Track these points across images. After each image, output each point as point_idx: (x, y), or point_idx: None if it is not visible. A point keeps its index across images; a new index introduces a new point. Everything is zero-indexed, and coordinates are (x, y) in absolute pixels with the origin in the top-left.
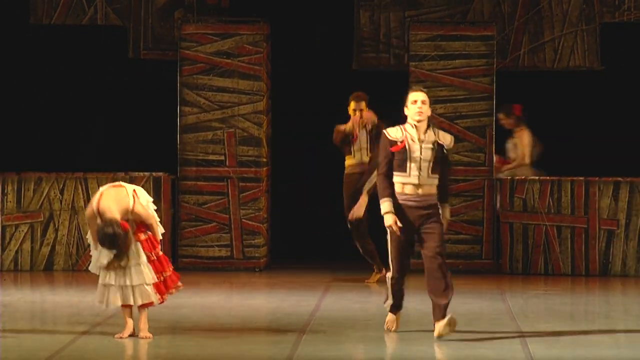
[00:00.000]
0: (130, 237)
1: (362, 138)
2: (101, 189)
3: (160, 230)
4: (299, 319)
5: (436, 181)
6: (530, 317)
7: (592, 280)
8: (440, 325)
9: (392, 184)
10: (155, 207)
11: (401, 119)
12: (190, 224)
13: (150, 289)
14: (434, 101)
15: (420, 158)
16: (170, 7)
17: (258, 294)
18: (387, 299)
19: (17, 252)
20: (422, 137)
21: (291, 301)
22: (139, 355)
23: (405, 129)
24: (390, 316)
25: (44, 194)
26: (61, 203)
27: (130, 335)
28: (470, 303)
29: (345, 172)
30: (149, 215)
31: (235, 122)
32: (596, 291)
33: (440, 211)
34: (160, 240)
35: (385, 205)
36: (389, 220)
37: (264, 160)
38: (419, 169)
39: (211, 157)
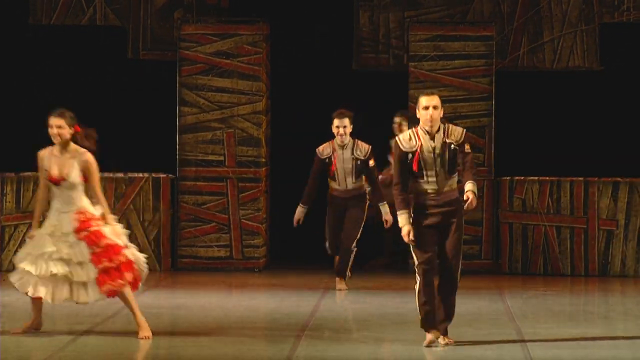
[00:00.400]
0: None
1: (347, 165)
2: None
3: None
4: (298, 319)
5: (455, 179)
6: (529, 317)
7: (591, 281)
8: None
9: (408, 195)
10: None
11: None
12: (190, 224)
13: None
14: None
15: (435, 164)
16: (169, 8)
17: (257, 295)
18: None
19: (16, 252)
20: (434, 142)
21: (290, 301)
22: (138, 356)
23: (417, 136)
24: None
25: None
26: None
27: (25, 332)
28: (470, 303)
29: (330, 192)
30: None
31: (234, 122)
32: (595, 291)
33: (461, 208)
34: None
35: (402, 218)
36: (405, 232)
37: (263, 160)
38: (436, 174)
39: (210, 158)
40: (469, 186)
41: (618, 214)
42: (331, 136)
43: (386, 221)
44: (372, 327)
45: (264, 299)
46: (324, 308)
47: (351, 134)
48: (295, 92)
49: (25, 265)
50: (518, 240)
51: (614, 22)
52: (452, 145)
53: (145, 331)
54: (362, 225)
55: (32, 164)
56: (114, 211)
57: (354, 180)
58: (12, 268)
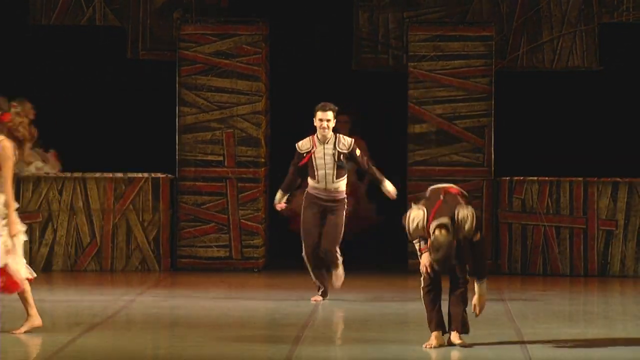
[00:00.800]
0: None
1: (329, 161)
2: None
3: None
4: (298, 319)
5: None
6: (529, 317)
7: (590, 281)
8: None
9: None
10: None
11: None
12: (189, 224)
13: None
14: (433, 101)
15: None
16: (168, 8)
17: (256, 295)
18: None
19: None
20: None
21: (289, 302)
22: (138, 356)
23: (426, 226)
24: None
25: (43, 195)
26: (60, 204)
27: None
28: (469, 303)
29: (307, 191)
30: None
31: (234, 122)
32: (595, 292)
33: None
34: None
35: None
36: (427, 261)
37: (263, 160)
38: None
39: (210, 158)
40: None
41: (617, 214)
42: None
43: (389, 192)
44: (371, 328)
45: (263, 299)
46: (323, 308)
47: (334, 129)
48: (295, 93)
49: None
50: (517, 240)
51: (614, 22)
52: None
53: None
54: (342, 232)
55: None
56: (113, 211)
57: (334, 179)
58: None
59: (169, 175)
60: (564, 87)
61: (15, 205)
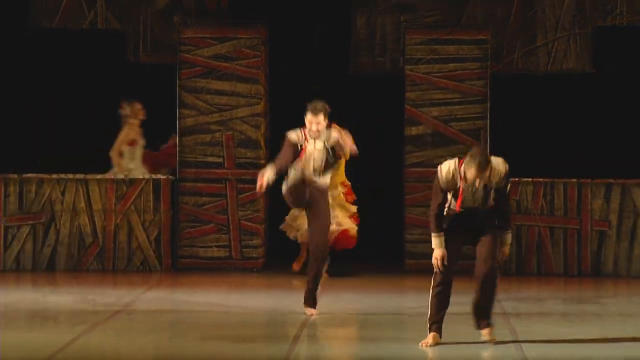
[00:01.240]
0: None
1: (317, 157)
2: None
3: None
4: (296, 318)
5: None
6: (523, 316)
7: (584, 281)
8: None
9: (442, 220)
10: None
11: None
12: (190, 225)
13: None
14: (429, 104)
15: (474, 199)
16: (169, 11)
17: (256, 294)
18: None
19: (19, 252)
20: (476, 182)
21: (288, 301)
22: (139, 355)
23: (459, 169)
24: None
25: (46, 196)
26: (62, 204)
27: None
28: (464, 302)
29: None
30: None
31: (233, 124)
32: (588, 291)
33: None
34: None
35: (436, 240)
36: (439, 255)
37: (262, 162)
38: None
39: (210, 159)
40: None
41: (610, 215)
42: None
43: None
44: (369, 326)
45: (263, 299)
46: (321, 307)
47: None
48: (293, 95)
49: None
50: (512, 240)
51: (607, 26)
52: (488, 187)
53: None
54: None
55: (34, 166)
56: (115, 212)
57: (320, 174)
58: (15, 267)
59: (170, 177)
60: (559, 90)
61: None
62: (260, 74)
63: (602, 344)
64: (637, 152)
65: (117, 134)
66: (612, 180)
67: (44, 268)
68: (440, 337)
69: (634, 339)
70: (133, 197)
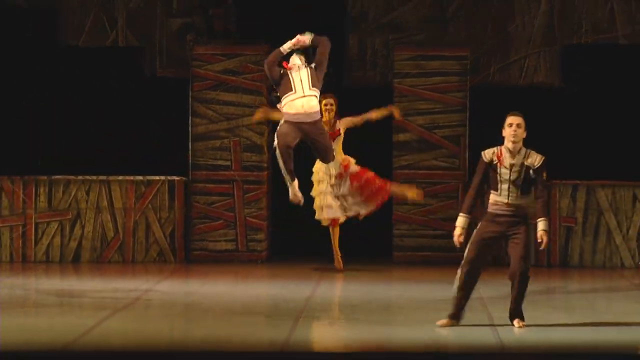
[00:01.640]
0: None
1: (304, 74)
2: None
3: None
4: (296, 305)
5: (527, 199)
6: (499, 304)
7: (553, 271)
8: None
9: (475, 203)
10: None
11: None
12: (201, 221)
13: None
14: (415, 113)
15: (510, 180)
16: (183, 31)
17: (260, 283)
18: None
19: (48, 246)
20: (513, 160)
21: (289, 289)
22: (155, 338)
23: (500, 152)
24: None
25: (72, 195)
26: (87, 203)
27: None
28: (446, 291)
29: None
30: None
31: (240, 131)
32: (557, 281)
33: (529, 222)
34: None
35: (460, 219)
36: (457, 232)
37: (265, 165)
38: (508, 189)
39: (219, 163)
40: (541, 226)
41: (577, 213)
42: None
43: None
44: (360, 312)
45: (266, 287)
46: (319, 295)
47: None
48: None
49: None
50: None
51: (574, 44)
52: (531, 170)
53: None
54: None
55: (62, 168)
56: (134, 210)
57: (310, 86)
58: (45, 259)
59: (183, 178)
60: (530, 101)
61: None
62: (263, 87)
63: (569, 328)
64: (601, 156)
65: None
66: (578, 182)
67: (70, 260)
68: (458, 322)
69: (597, 324)
70: (150, 197)
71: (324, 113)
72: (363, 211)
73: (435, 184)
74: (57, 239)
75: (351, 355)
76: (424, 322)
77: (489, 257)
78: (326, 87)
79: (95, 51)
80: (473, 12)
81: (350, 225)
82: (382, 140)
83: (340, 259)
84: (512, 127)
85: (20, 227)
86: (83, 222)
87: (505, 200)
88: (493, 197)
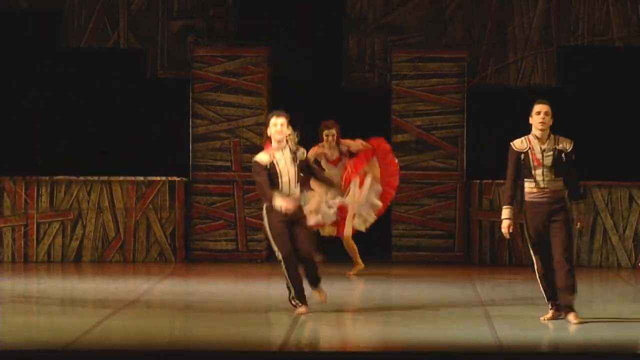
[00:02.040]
0: None
1: (291, 169)
2: None
3: None
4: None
5: (561, 182)
6: (496, 302)
7: None
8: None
9: (515, 193)
10: None
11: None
12: (201, 221)
13: None
14: (413, 114)
15: (543, 165)
16: (184, 33)
17: (259, 282)
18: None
19: (50, 245)
20: (544, 145)
21: None
22: (156, 336)
23: (529, 140)
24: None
25: (74, 196)
26: (88, 203)
27: None
28: (445, 290)
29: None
30: None
31: (240, 132)
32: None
33: (567, 207)
34: None
35: (505, 211)
36: (505, 224)
37: None
38: (543, 174)
39: (219, 163)
40: (580, 208)
41: (573, 213)
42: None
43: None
44: (359, 311)
45: (266, 287)
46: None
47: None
48: (293, 107)
49: None
50: (486, 235)
51: (570, 46)
52: (563, 154)
53: None
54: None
55: (64, 169)
56: (135, 210)
57: (295, 185)
58: (46, 259)
59: (184, 179)
60: (527, 102)
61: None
62: (263, 88)
63: (565, 324)
64: (597, 156)
65: (138, 142)
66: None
67: (72, 259)
68: (559, 313)
69: (594, 323)
70: (151, 197)
71: (324, 143)
72: (378, 203)
73: (433, 184)
74: (59, 239)
75: (350, 355)
76: (423, 322)
77: (548, 241)
78: (326, 88)
79: (97, 52)
80: (471, 13)
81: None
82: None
83: (357, 261)
84: (540, 115)
85: (22, 227)
86: (84, 222)
87: (541, 185)
88: (528, 185)
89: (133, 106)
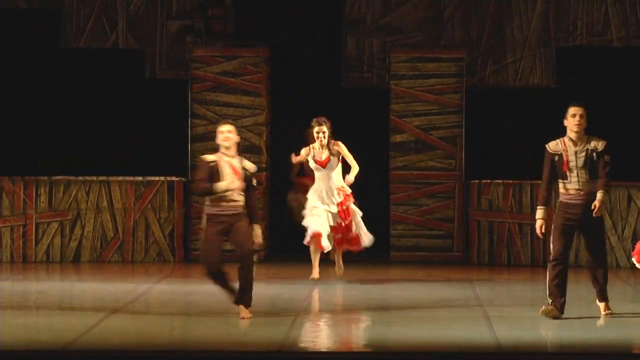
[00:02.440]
0: None
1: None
2: None
3: None
4: (294, 304)
5: (595, 184)
6: (495, 302)
7: None
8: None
9: (550, 194)
10: None
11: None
12: (200, 221)
13: None
14: (411, 115)
15: (577, 166)
16: (182, 33)
17: (258, 283)
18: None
19: (48, 245)
20: (577, 147)
21: (287, 289)
22: (155, 336)
23: (564, 142)
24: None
25: (72, 196)
26: (87, 203)
27: None
28: (444, 290)
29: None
30: None
31: (238, 132)
32: None
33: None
34: None
35: (539, 212)
36: (538, 224)
37: (264, 166)
38: (577, 175)
39: None
40: (599, 196)
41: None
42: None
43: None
44: (358, 311)
45: (264, 287)
46: (317, 296)
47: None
48: (292, 107)
49: None
50: (485, 235)
51: (568, 46)
52: (595, 153)
53: None
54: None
55: (62, 169)
56: (134, 210)
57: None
58: (45, 259)
59: (183, 179)
60: (525, 102)
61: None
62: (262, 88)
63: (564, 325)
64: None
65: (137, 141)
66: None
67: (71, 260)
68: (562, 314)
69: (591, 322)
70: (150, 197)
71: (316, 141)
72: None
73: (431, 184)
74: (58, 239)
75: (349, 355)
76: (422, 322)
77: (571, 245)
78: (324, 88)
79: (96, 53)
80: (469, 14)
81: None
82: (379, 141)
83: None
84: (576, 118)
85: (21, 227)
86: (83, 222)
87: (576, 187)
88: (562, 186)
89: (132, 106)
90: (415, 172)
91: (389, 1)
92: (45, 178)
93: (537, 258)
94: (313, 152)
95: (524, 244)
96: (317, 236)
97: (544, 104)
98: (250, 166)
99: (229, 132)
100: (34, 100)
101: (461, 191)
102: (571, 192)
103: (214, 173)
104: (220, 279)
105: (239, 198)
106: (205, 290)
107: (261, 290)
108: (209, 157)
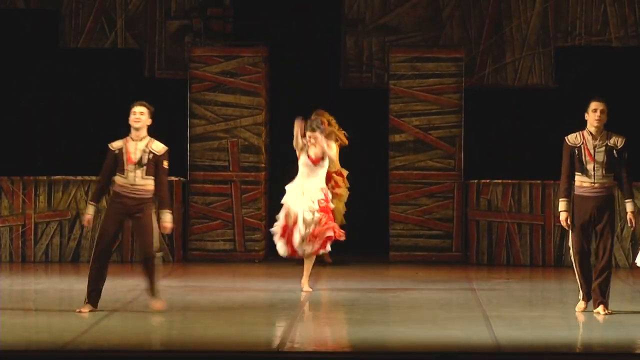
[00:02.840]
0: None
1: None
2: None
3: None
4: (293, 303)
5: (611, 179)
6: (494, 302)
7: (548, 270)
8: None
9: (570, 186)
10: None
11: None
12: (199, 221)
13: None
14: (410, 114)
15: (595, 160)
16: (181, 33)
17: (257, 282)
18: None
19: (47, 245)
20: (596, 141)
21: (286, 288)
22: (154, 336)
23: (583, 135)
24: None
25: (71, 195)
26: (86, 203)
27: None
28: (442, 290)
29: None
30: None
31: (237, 132)
32: (551, 280)
33: (615, 206)
34: None
35: (561, 204)
36: (562, 217)
37: (263, 165)
38: (594, 169)
39: (217, 163)
40: (628, 207)
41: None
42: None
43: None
44: (357, 311)
45: (263, 286)
46: (315, 294)
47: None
48: (291, 107)
49: None
50: (484, 235)
51: (567, 46)
52: (614, 150)
53: None
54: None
55: (61, 169)
56: None
57: (143, 177)
58: (44, 259)
59: (182, 179)
60: (525, 102)
61: None
62: (261, 88)
63: (563, 326)
64: None
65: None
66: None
67: (70, 260)
68: (587, 304)
69: (590, 322)
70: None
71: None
72: (309, 249)
73: (430, 184)
74: (57, 239)
75: (348, 355)
76: (421, 322)
77: (591, 238)
78: (323, 88)
79: (95, 52)
80: (468, 14)
81: (348, 225)
82: (378, 141)
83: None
84: (597, 113)
85: (20, 227)
86: (82, 222)
87: (592, 180)
88: (579, 178)
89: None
90: (414, 172)
91: (388, 1)
92: (44, 178)
93: (535, 258)
94: (308, 146)
95: (523, 243)
96: (290, 255)
97: (543, 104)
98: (160, 148)
99: (142, 113)
100: (33, 100)
101: (460, 191)
102: (585, 185)
103: (119, 161)
104: (103, 260)
105: (143, 182)
106: (205, 289)
107: (260, 289)
108: (115, 144)
